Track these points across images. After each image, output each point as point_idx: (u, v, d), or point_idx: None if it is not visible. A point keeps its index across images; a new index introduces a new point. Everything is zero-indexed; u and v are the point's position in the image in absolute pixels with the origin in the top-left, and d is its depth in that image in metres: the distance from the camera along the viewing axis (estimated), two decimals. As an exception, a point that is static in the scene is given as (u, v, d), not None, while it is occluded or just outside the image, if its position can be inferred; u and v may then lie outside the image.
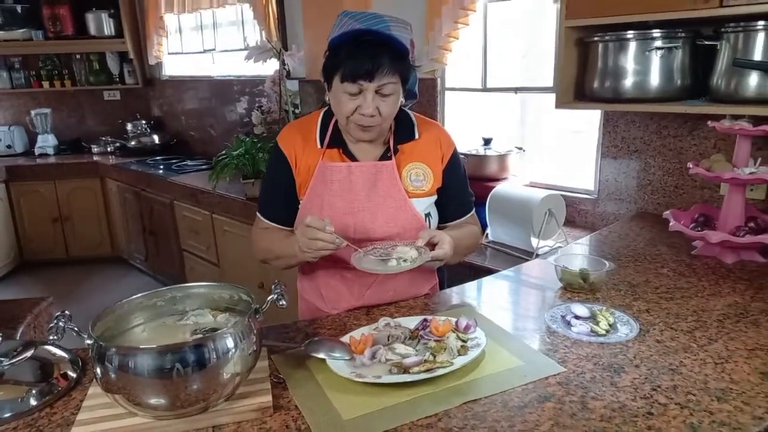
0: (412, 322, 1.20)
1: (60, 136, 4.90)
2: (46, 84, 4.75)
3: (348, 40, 1.23)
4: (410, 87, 1.37)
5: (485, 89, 2.70)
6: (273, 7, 3.44)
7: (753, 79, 1.58)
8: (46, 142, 4.77)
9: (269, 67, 3.17)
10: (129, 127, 4.82)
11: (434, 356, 1.07)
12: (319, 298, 1.48)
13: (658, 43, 1.74)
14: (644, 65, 1.77)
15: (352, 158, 1.38)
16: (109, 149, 4.83)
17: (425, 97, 2.81)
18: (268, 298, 1.01)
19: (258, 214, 1.47)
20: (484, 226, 2.17)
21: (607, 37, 1.82)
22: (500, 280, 1.61)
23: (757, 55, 1.57)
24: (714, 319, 1.25)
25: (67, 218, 4.52)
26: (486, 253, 2.15)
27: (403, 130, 1.41)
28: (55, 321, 0.90)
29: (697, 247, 1.70)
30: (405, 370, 1.03)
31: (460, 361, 1.04)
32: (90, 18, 4.60)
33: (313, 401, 0.98)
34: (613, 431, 0.88)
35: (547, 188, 2.36)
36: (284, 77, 3.10)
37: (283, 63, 3.03)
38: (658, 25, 1.74)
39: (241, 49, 3.86)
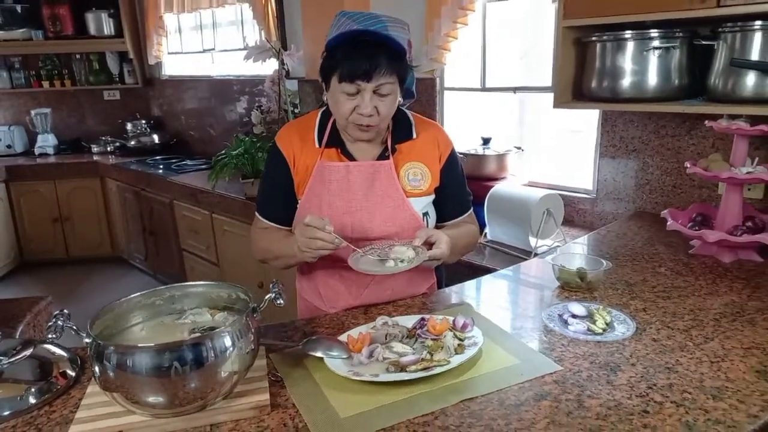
0: (409, 320, 1.21)
1: (60, 135, 4.90)
2: (46, 84, 4.75)
3: (345, 41, 1.23)
4: (408, 87, 1.37)
5: (484, 89, 2.71)
6: (272, 6, 3.45)
7: (750, 78, 1.58)
8: (46, 141, 4.77)
9: (268, 67, 3.17)
10: (129, 126, 4.82)
11: (431, 355, 1.07)
12: (318, 298, 1.49)
13: (656, 43, 1.74)
14: (642, 65, 1.78)
15: (350, 158, 1.39)
16: (109, 149, 4.83)
17: (424, 96, 2.81)
18: (266, 297, 1.02)
19: (257, 213, 1.48)
20: (482, 226, 2.18)
21: (604, 37, 1.82)
22: (498, 279, 1.61)
23: (754, 55, 1.57)
24: (710, 318, 1.26)
25: (67, 218, 4.52)
26: (484, 252, 2.15)
27: (400, 129, 1.41)
28: (54, 320, 0.90)
29: (694, 246, 1.70)
30: (402, 368, 1.03)
31: (457, 360, 1.05)
32: (90, 18, 4.61)
33: (310, 399, 0.98)
34: (609, 429, 0.88)
35: (545, 188, 2.36)
36: (283, 77, 3.10)
37: (282, 63, 3.03)
38: (656, 25, 1.74)
39: (240, 49, 3.86)
